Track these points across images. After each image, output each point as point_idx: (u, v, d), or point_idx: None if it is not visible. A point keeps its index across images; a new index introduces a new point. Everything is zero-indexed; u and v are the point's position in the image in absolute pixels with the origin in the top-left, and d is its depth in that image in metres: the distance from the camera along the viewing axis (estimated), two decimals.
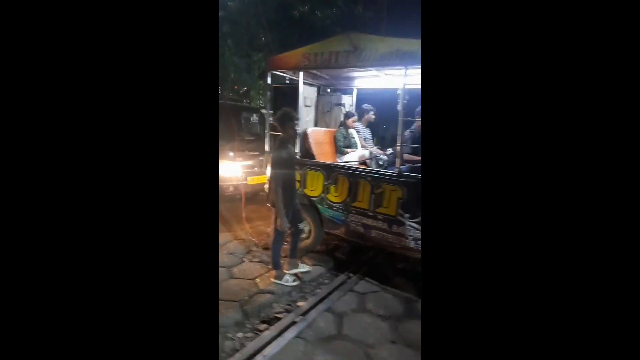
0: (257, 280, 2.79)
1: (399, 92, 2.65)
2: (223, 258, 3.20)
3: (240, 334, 2.06)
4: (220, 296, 2.48)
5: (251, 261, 3.18)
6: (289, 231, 2.81)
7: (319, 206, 3.20)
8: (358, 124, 3.78)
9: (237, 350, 1.91)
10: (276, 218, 2.66)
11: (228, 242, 3.64)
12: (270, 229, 3.99)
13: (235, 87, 6.46)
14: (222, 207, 4.88)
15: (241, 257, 3.25)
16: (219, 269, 2.97)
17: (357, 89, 4.12)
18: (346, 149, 3.55)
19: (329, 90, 4.09)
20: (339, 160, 3.47)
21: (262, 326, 2.17)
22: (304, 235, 3.27)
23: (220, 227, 4.07)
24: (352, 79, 3.78)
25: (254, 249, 3.49)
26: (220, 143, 4.19)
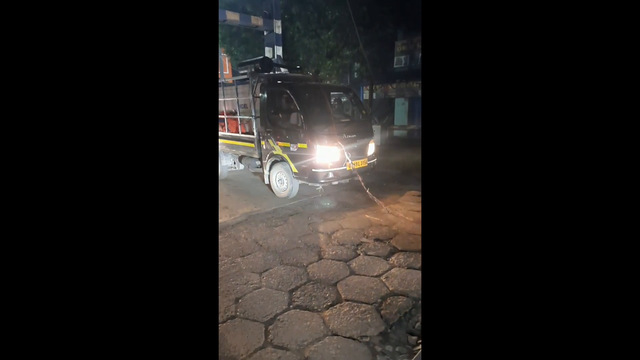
0: (383, 278, 2.49)
1: None
2: (336, 249, 2.99)
3: (389, 347, 1.79)
4: (347, 295, 2.25)
5: (367, 254, 2.90)
6: None
7: None
8: None
9: None
10: None
11: (335, 231, 3.42)
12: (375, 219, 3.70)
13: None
14: (325, 198, 4.74)
15: (354, 250, 3.00)
16: (337, 262, 2.76)
17: None
18: None
19: None
20: None
21: (412, 338, 1.86)
22: None
23: (325, 215, 3.91)
24: None
25: (364, 239, 3.22)
26: (318, 127, 3.96)
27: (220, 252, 2.95)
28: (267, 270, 2.63)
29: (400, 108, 13.62)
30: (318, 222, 3.70)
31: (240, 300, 2.21)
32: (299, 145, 3.91)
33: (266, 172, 4.48)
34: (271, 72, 4.69)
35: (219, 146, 5.34)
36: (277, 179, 4.43)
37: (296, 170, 4.06)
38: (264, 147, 4.40)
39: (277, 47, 8.36)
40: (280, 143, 4.16)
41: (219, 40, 9.85)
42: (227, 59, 10.04)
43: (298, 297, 2.24)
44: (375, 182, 5.17)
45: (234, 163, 5.33)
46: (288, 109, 4.13)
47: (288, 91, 4.01)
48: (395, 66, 13.64)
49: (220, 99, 5.05)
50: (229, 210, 4.10)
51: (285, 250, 2.99)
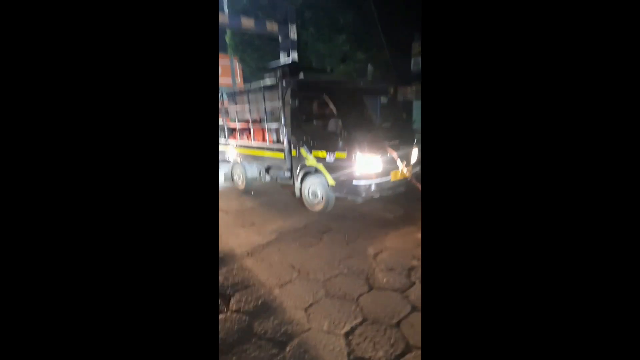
0: None
1: None
2: (386, 276, 2.59)
3: None
4: (416, 341, 1.83)
5: None
6: None
7: None
8: None
9: None
10: None
11: (379, 252, 3.02)
12: None
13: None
14: (358, 211, 4.34)
15: (407, 276, 2.60)
16: (391, 293, 2.36)
17: None
18: None
19: None
20: None
21: None
22: None
23: (363, 232, 3.51)
24: None
25: (415, 262, 2.81)
26: (359, 134, 3.56)
27: (255, 280, 2.59)
28: (312, 305, 2.25)
29: (419, 111, 13.19)
30: (356, 240, 3.31)
31: (288, 348, 1.83)
32: (337, 154, 3.53)
33: (297, 184, 4.12)
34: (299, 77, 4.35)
35: (244, 157, 5.03)
36: (310, 192, 4.06)
37: (333, 183, 3.68)
38: (295, 157, 4.05)
39: (293, 52, 8.05)
40: (313, 152, 3.79)
41: (232, 49, 9.66)
42: (239, 66, 9.86)
43: (357, 344, 1.85)
44: (408, 194, 4.75)
45: (260, 174, 5.00)
46: (322, 114, 3.76)
47: (324, 95, 3.64)
48: (412, 68, 13.24)
49: (245, 106, 4.74)
50: (257, 227, 3.75)
51: (328, 278, 2.60)
